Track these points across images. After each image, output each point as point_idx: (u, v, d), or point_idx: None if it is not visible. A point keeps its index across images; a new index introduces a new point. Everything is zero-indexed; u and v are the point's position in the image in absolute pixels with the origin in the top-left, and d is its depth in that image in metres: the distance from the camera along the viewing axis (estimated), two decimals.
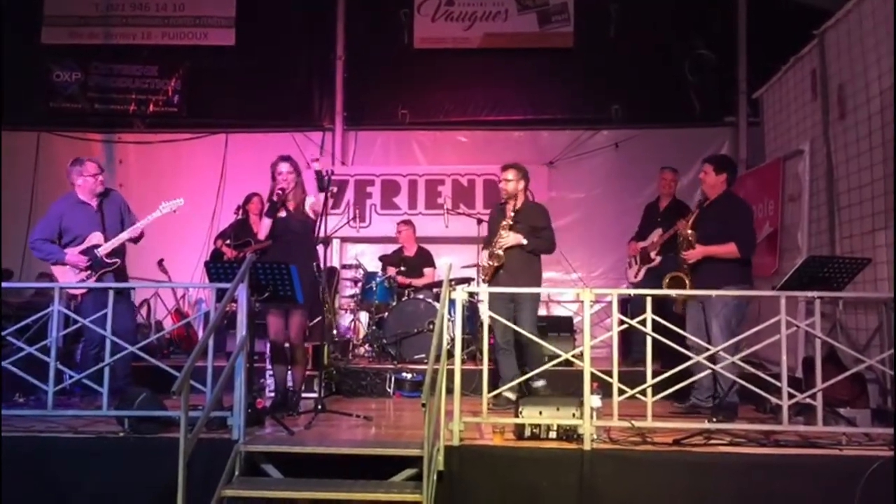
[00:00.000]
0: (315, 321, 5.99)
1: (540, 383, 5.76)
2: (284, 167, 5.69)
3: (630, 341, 6.96)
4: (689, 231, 5.64)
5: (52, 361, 4.98)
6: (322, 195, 5.81)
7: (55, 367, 4.99)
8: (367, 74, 10.11)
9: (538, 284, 6.26)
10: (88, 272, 5.70)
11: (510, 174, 6.12)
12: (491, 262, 5.99)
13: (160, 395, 5.03)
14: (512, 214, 6.03)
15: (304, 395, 5.97)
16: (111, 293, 5.12)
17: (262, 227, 5.74)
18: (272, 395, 6.11)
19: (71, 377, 5.17)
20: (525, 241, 5.98)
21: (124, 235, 5.80)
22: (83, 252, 5.71)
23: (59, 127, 10.07)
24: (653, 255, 7.33)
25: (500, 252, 5.97)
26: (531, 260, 6.10)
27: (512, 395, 5.46)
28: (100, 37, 10.11)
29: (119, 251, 5.87)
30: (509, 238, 5.97)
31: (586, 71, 9.81)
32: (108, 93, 10.13)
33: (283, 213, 5.71)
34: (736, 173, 5.99)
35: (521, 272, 5.99)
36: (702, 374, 5.07)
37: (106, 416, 4.96)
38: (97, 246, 5.74)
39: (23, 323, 5.33)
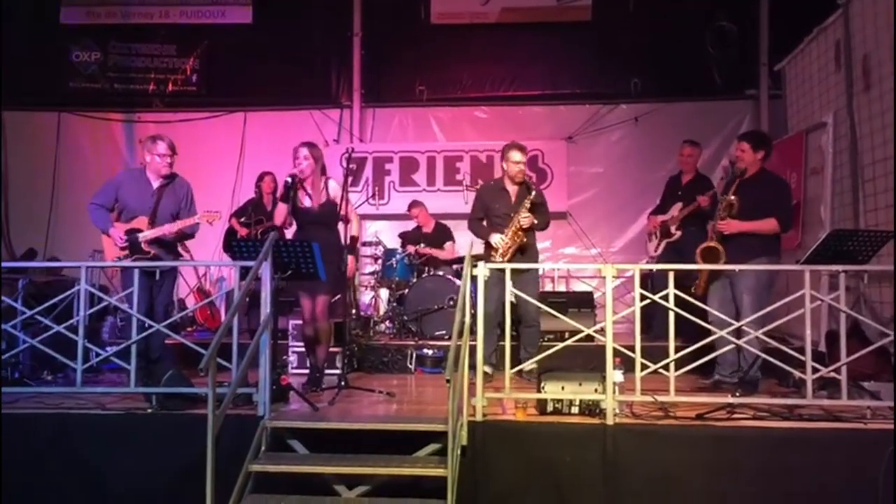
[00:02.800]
0: (336, 298, 6.02)
1: (532, 366, 5.46)
2: (302, 152, 5.69)
3: (651, 316, 6.92)
4: (733, 197, 5.44)
5: (80, 339, 5.04)
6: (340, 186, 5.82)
7: (83, 344, 5.05)
8: (384, 51, 10.09)
9: (538, 260, 6.64)
10: (125, 252, 5.64)
11: (525, 157, 6.21)
12: (514, 241, 6.02)
13: (185, 371, 5.11)
14: (534, 195, 6.06)
15: (326, 371, 6.03)
16: (136, 272, 5.21)
17: (278, 213, 5.78)
18: (295, 371, 6.22)
19: (97, 355, 5.24)
20: (536, 221, 6.11)
21: (163, 229, 5.67)
22: (127, 232, 5.66)
23: (80, 107, 10.14)
24: (672, 229, 7.20)
25: (523, 235, 6.05)
26: (533, 237, 6.27)
27: (489, 369, 5.69)
28: (117, 16, 10.12)
29: (168, 243, 5.79)
30: (528, 218, 6.02)
31: (605, 44, 9.71)
32: (126, 72, 10.17)
33: (306, 203, 5.71)
34: (771, 149, 5.86)
35: (527, 250, 6.15)
36: (725, 349, 5.05)
37: (134, 392, 5.03)
38: (139, 230, 5.67)
39: (50, 302, 5.40)
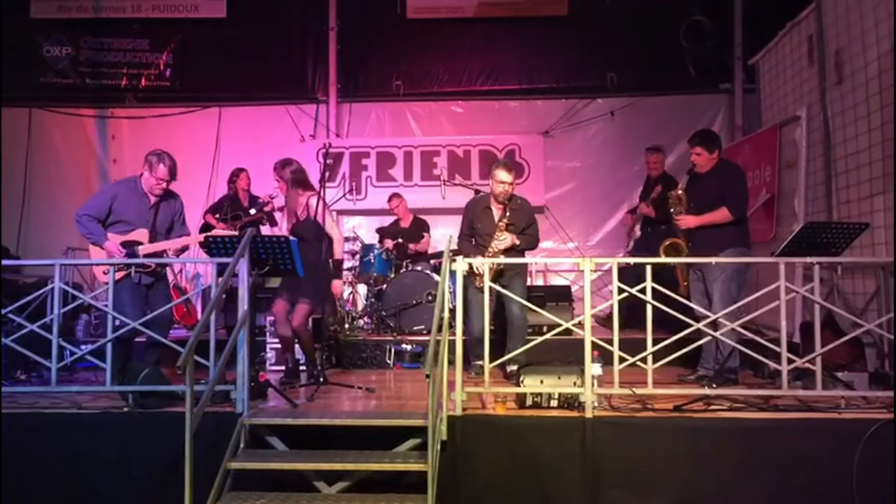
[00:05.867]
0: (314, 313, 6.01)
1: (513, 367, 5.60)
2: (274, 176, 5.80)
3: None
4: (680, 192, 5.68)
5: (54, 338, 4.98)
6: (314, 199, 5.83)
7: (57, 343, 4.99)
8: (360, 45, 10.03)
9: (524, 275, 6.39)
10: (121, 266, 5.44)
11: (511, 177, 5.97)
12: (492, 266, 5.72)
13: (162, 369, 5.07)
14: (508, 215, 5.94)
15: (303, 367, 6.03)
16: (112, 270, 5.15)
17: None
18: (273, 368, 6.19)
19: (72, 353, 5.17)
20: (518, 242, 5.98)
21: (166, 244, 5.62)
22: (123, 244, 5.51)
23: (51, 102, 10.00)
24: (637, 228, 7.75)
25: (501, 256, 5.89)
26: (520, 257, 6.11)
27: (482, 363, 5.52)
28: (89, 10, 9.98)
29: (156, 256, 5.64)
30: (507, 240, 5.93)
31: (581, 39, 9.74)
32: (99, 67, 10.03)
33: (293, 221, 5.75)
34: (721, 144, 5.99)
35: (513, 269, 5.98)
36: (702, 341, 5.09)
37: (110, 391, 4.99)
38: (139, 243, 5.55)
39: (24, 300, 5.32)
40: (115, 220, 5.57)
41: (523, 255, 6.20)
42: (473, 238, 6.15)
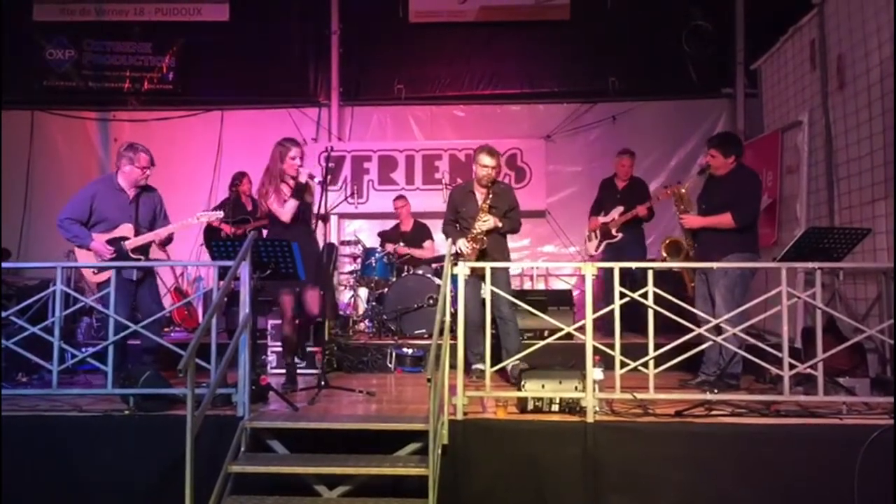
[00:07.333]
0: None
1: (515, 362, 5.56)
2: (297, 151, 5.71)
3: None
4: (684, 189, 5.69)
5: (55, 341, 4.98)
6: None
7: (59, 346, 4.99)
8: (362, 49, 10.04)
9: (507, 270, 6.37)
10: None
11: (494, 161, 6.05)
12: (475, 246, 5.98)
13: (163, 372, 5.06)
14: (491, 198, 6.04)
15: (304, 371, 6.02)
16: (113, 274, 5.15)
17: (288, 210, 5.59)
18: (274, 371, 6.18)
19: (74, 356, 5.17)
20: (501, 224, 6.05)
21: (153, 234, 5.67)
22: (109, 242, 5.56)
23: (54, 105, 10.00)
24: (614, 231, 7.71)
25: (484, 237, 5.99)
26: (502, 240, 6.19)
27: (482, 366, 5.51)
28: (92, 14, 9.98)
29: (144, 248, 5.72)
30: (489, 222, 5.98)
31: (583, 43, 9.73)
32: (101, 70, 10.01)
33: (296, 200, 5.70)
34: (742, 147, 5.94)
35: (495, 252, 6.06)
36: (704, 346, 5.09)
37: (111, 394, 4.98)
38: (125, 238, 5.60)
39: (25, 303, 5.33)
40: (98, 219, 5.63)
41: (506, 238, 6.25)
42: (458, 223, 6.24)
